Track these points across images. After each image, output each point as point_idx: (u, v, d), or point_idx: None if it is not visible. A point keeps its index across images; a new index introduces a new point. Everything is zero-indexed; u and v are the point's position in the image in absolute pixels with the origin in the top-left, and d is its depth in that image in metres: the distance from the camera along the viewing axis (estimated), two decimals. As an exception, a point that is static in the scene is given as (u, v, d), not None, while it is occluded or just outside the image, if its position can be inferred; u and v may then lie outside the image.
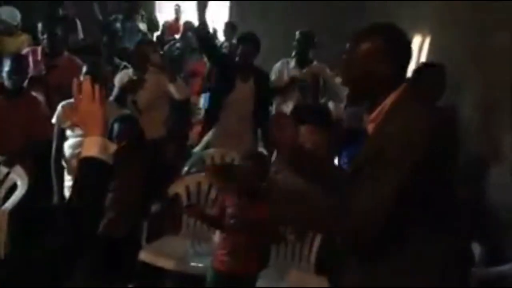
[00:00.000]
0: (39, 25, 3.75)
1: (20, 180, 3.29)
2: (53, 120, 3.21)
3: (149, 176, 3.16)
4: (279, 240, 2.80)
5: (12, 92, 3.31)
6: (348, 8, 6.54)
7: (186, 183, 3.44)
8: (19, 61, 3.31)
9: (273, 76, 4.34)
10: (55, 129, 3.21)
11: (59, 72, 3.69)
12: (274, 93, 4.17)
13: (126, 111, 3.61)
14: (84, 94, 1.50)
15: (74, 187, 1.53)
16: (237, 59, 3.95)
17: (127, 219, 3.02)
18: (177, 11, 7.98)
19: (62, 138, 3.21)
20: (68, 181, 3.29)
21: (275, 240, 2.80)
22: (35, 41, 4.57)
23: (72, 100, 3.21)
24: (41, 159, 3.39)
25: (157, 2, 8.59)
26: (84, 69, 3.29)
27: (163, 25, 7.92)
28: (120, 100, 3.64)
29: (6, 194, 3.28)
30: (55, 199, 3.29)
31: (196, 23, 6.77)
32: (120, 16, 6.42)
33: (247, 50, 3.89)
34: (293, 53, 4.33)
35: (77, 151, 3.16)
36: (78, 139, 3.14)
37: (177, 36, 7.37)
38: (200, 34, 4.00)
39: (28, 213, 3.26)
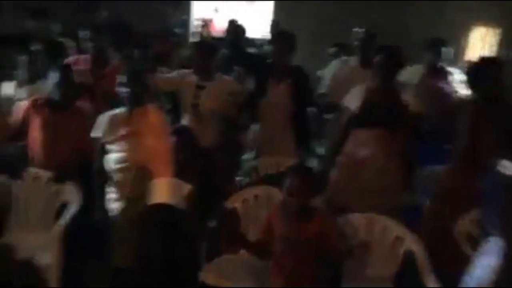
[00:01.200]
0: (87, 34, 3.58)
1: (72, 197, 3.15)
2: (95, 134, 3.03)
3: (205, 189, 2.98)
4: (341, 257, 2.55)
5: (59, 104, 3.16)
6: (394, 7, 6.27)
7: (243, 197, 3.23)
8: (65, 74, 3.16)
9: (327, 76, 4.07)
10: (98, 143, 3.05)
11: (106, 81, 3.54)
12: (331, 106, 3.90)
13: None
14: (151, 128, 1.30)
15: (142, 235, 1.33)
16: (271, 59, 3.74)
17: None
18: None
19: (104, 151, 3.04)
20: (111, 193, 3.12)
21: (337, 258, 2.54)
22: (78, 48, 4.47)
23: (115, 111, 3.12)
24: (87, 172, 3.25)
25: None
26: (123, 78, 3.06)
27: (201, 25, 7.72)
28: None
29: (57, 210, 3.16)
30: (97, 213, 3.13)
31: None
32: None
33: (279, 49, 3.64)
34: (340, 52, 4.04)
35: (120, 165, 3.01)
36: (120, 154, 2.97)
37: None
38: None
39: (77, 228, 3.13)
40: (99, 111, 3.41)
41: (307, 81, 3.80)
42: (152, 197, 1.28)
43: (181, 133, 2.87)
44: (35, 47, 4.04)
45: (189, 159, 2.86)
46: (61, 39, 4.56)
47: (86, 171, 3.17)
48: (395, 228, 2.71)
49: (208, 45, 3.72)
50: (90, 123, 3.22)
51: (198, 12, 7.95)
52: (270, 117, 3.69)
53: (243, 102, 3.62)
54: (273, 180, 3.52)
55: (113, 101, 3.39)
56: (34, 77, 3.73)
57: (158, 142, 1.29)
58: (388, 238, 2.72)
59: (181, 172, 2.71)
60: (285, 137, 3.72)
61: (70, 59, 3.74)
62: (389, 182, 3.03)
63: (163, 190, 1.28)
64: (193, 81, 3.57)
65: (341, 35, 5.28)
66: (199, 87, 3.57)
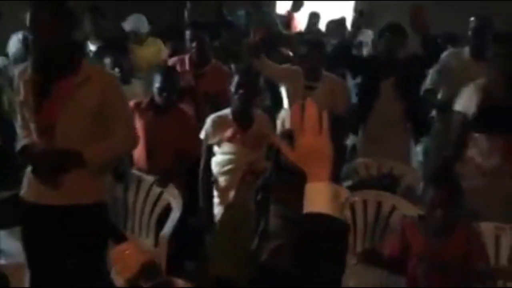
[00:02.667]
0: (187, 33, 3.51)
1: (174, 201, 3.10)
2: (201, 136, 2.97)
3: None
4: (485, 280, 2.31)
5: (162, 107, 3.12)
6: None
7: (349, 202, 3.04)
8: (170, 77, 3.10)
9: (433, 69, 3.79)
10: (203, 146, 2.98)
11: (206, 80, 3.46)
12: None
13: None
14: (308, 123, 1.13)
15: (296, 251, 1.16)
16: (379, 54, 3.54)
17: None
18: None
19: (210, 154, 2.97)
20: (216, 197, 3.06)
21: (481, 280, 2.31)
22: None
23: (221, 112, 3.05)
24: (190, 176, 3.19)
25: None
26: (235, 79, 2.99)
27: (279, 19, 7.54)
28: None
29: (159, 215, 3.12)
30: (203, 218, 3.08)
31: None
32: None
33: (392, 43, 3.43)
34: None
35: (225, 168, 2.93)
36: (226, 156, 2.89)
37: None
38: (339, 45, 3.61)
39: (181, 233, 3.08)
40: (200, 112, 3.38)
41: (419, 73, 3.56)
42: (309, 205, 1.11)
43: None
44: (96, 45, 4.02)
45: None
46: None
47: (191, 173, 3.13)
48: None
49: (320, 42, 3.56)
50: (192, 125, 3.19)
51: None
52: (377, 116, 3.51)
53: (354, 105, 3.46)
54: (375, 183, 3.35)
55: (214, 101, 3.34)
56: (125, 77, 3.67)
57: (314, 140, 1.12)
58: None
59: (286, 181, 2.61)
60: (397, 139, 3.54)
61: (173, 60, 3.69)
62: None
63: (319, 196, 1.11)
64: (301, 80, 3.43)
65: (438, 24, 4.93)
66: (309, 88, 3.43)
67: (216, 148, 2.94)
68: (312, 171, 1.12)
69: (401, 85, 3.47)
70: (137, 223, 3.15)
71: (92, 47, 4.11)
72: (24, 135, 2.27)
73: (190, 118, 3.25)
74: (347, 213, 2.97)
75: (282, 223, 2.66)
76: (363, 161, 3.63)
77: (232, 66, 3.51)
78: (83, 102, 2.12)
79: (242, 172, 2.85)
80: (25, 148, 2.22)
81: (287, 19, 7.38)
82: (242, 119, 2.86)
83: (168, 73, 3.15)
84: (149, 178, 3.13)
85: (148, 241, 3.06)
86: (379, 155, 3.50)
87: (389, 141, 3.54)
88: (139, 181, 3.16)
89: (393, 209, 2.92)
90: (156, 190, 3.13)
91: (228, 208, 2.91)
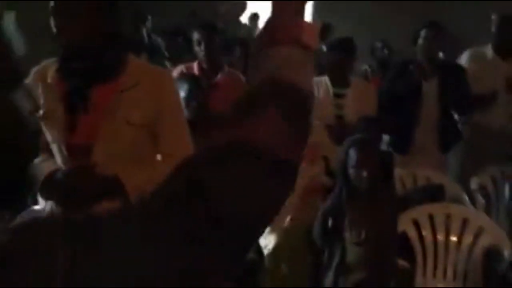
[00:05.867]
0: (194, 35, 2.88)
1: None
2: None
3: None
4: None
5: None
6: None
7: (413, 217, 2.64)
8: (198, 86, 2.52)
9: None
10: None
11: (219, 93, 2.83)
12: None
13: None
14: None
15: None
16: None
17: (381, 277, 2.29)
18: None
19: None
20: None
21: None
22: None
23: None
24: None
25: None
26: None
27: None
28: None
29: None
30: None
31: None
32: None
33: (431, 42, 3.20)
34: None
35: None
36: None
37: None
38: None
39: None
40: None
41: (460, 78, 3.22)
42: None
43: (366, 146, 2.29)
44: None
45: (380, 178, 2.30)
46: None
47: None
48: None
49: (350, 45, 3.12)
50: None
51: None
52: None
53: None
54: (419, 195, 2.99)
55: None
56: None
57: None
58: None
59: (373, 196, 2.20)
60: (430, 147, 3.23)
61: (179, 68, 3.01)
62: None
63: None
64: (328, 88, 3.04)
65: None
66: (338, 96, 3.05)
67: None
68: None
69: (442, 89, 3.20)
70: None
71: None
72: (42, 160, 1.63)
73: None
74: (412, 231, 2.59)
75: (363, 252, 2.23)
76: (397, 172, 3.25)
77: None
78: (130, 113, 1.59)
79: (301, 191, 2.37)
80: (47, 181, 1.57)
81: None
82: None
83: (195, 83, 2.54)
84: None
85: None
86: (415, 165, 3.18)
87: (423, 150, 3.24)
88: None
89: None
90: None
91: (285, 233, 2.44)
